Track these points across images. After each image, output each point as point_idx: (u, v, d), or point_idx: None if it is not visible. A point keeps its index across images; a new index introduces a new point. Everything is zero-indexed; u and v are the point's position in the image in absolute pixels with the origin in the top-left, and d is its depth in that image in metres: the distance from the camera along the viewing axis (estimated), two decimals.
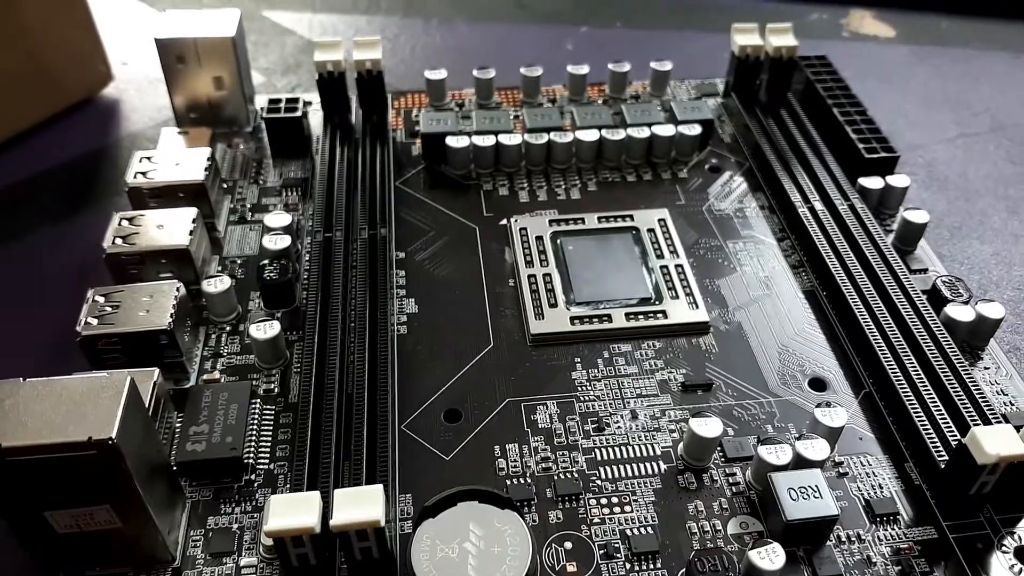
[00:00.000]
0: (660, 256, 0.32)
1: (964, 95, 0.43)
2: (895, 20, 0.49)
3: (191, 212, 0.30)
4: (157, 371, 0.25)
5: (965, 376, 0.26)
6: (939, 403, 0.26)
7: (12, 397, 0.20)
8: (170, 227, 0.29)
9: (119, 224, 0.29)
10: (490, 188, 0.35)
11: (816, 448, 0.24)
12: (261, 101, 0.37)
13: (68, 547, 0.22)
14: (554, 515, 0.24)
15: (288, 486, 0.24)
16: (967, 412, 0.25)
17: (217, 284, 0.29)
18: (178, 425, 0.26)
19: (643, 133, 0.35)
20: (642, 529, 0.24)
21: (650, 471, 0.25)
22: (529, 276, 0.31)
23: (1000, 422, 0.25)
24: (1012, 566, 0.23)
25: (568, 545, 0.24)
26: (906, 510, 0.24)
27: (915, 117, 0.41)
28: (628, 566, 0.23)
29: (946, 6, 0.50)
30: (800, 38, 0.37)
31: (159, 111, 0.40)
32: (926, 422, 0.25)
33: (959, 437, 0.25)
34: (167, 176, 0.31)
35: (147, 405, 0.24)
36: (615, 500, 0.25)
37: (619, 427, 0.26)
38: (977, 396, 0.26)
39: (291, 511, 0.21)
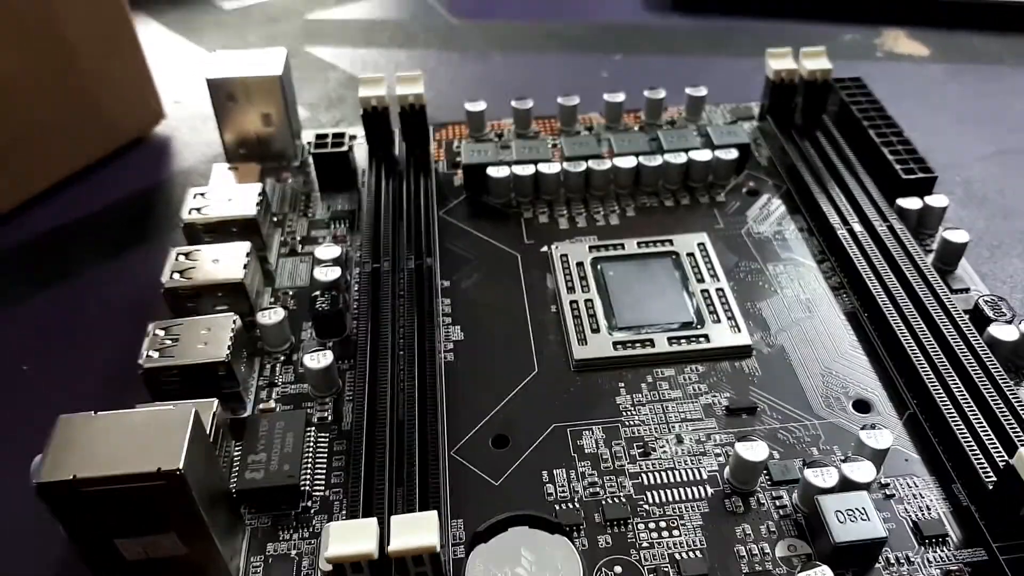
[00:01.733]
0: (700, 280, 0.32)
1: (999, 112, 0.43)
2: (929, 39, 0.49)
3: (245, 246, 0.31)
4: (216, 402, 0.26)
5: (1010, 395, 0.26)
6: (985, 423, 0.26)
7: (85, 430, 0.21)
8: (225, 261, 0.30)
9: (176, 259, 0.30)
10: (530, 216, 0.36)
11: (862, 470, 0.25)
12: (308, 136, 0.38)
13: (136, 574, 0.23)
14: (603, 539, 0.25)
15: (344, 512, 0.25)
16: (1014, 432, 0.25)
17: (271, 316, 0.30)
18: (236, 454, 0.27)
19: (680, 159, 0.36)
20: (691, 552, 0.24)
21: (697, 495, 0.26)
22: (571, 302, 0.31)
23: None
24: None
25: (618, 569, 0.24)
26: (955, 532, 0.24)
27: (951, 135, 0.41)
28: None
29: (978, 23, 0.50)
30: (834, 59, 0.37)
31: (209, 147, 0.41)
32: (972, 443, 0.26)
33: (1007, 458, 0.25)
34: (220, 212, 0.32)
35: (208, 435, 0.25)
36: (663, 524, 0.25)
37: (665, 451, 0.27)
38: (1023, 415, 0.26)
39: (349, 537, 0.22)
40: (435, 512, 0.22)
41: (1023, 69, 0.46)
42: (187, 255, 0.31)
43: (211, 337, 0.28)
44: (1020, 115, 0.43)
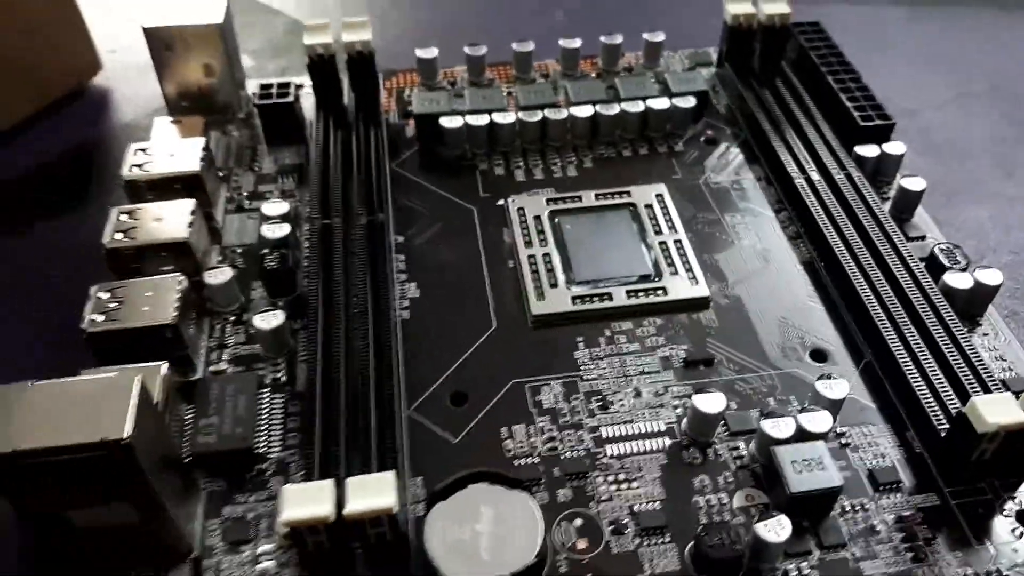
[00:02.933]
0: (659, 232, 0.32)
1: (959, 55, 0.43)
2: None
3: (189, 204, 0.30)
4: (165, 365, 0.25)
5: (964, 343, 0.27)
6: (938, 371, 0.26)
7: (21, 401, 0.21)
8: (169, 220, 0.29)
9: (117, 218, 0.29)
10: (486, 168, 0.35)
11: (818, 420, 0.25)
12: (252, 86, 0.37)
13: (88, 545, 0.22)
14: (562, 494, 0.25)
15: (300, 474, 0.25)
16: (966, 380, 0.26)
17: (218, 275, 0.29)
18: (188, 418, 0.26)
19: (638, 107, 0.35)
20: (649, 504, 0.24)
21: (655, 447, 0.26)
22: (528, 256, 0.31)
23: (999, 388, 0.25)
24: (1013, 529, 0.24)
25: (578, 522, 0.24)
26: (908, 478, 0.25)
27: (911, 80, 0.41)
28: (637, 541, 0.24)
29: None
30: (794, 1, 0.37)
31: (151, 99, 0.39)
32: (926, 390, 0.26)
33: (959, 405, 0.25)
34: (163, 168, 0.31)
35: (157, 400, 0.24)
36: (622, 477, 0.25)
37: (623, 405, 0.27)
38: (976, 363, 0.26)
39: (305, 500, 0.21)
40: (392, 472, 0.22)
41: (983, 11, 0.46)
42: (129, 214, 0.29)
43: (156, 299, 0.27)
44: (980, 59, 0.43)
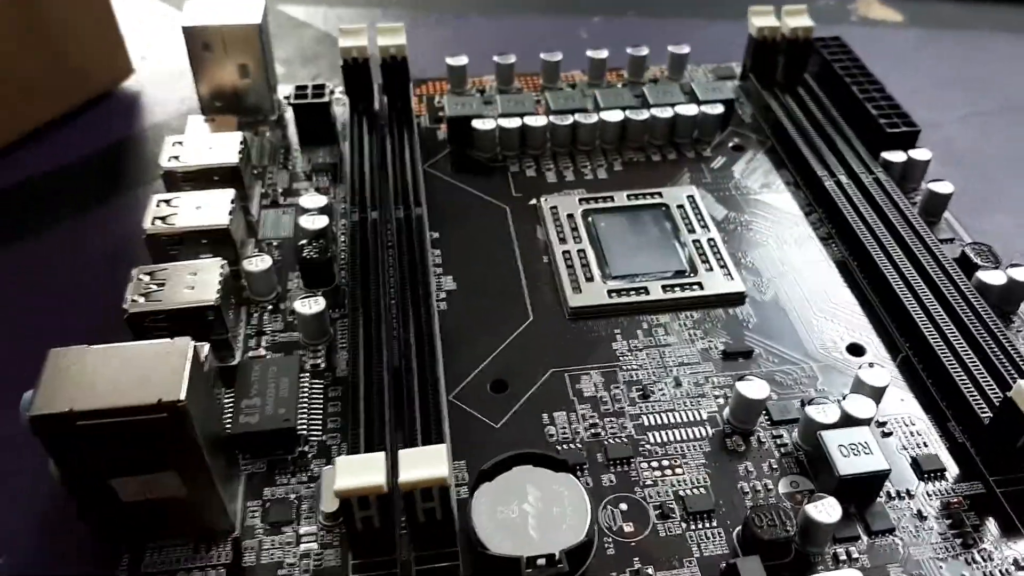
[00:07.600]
0: (692, 231, 0.32)
1: (973, 76, 0.44)
2: (902, 6, 0.50)
3: (229, 193, 0.30)
4: (207, 345, 0.25)
5: (1001, 336, 0.27)
6: (979, 363, 0.26)
7: (78, 363, 0.20)
8: (209, 208, 0.29)
9: (157, 206, 0.29)
10: (517, 170, 0.35)
11: (862, 406, 0.25)
12: (285, 90, 0.37)
13: (132, 517, 0.22)
14: (607, 478, 0.24)
15: (343, 454, 0.24)
16: (1006, 370, 0.26)
17: (258, 263, 0.29)
18: (227, 401, 0.26)
19: (666, 113, 0.36)
20: (695, 489, 0.24)
21: (698, 435, 0.26)
22: (563, 252, 0.31)
23: None
24: None
25: (623, 506, 0.24)
26: (952, 467, 0.25)
27: (927, 97, 0.42)
28: (684, 525, 0.23)
29: None
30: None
31: (182, 103, 0.40)
32: (967, 381, 0.26)
33: (1001, 393, 0.25)
34: (201, 160, 0.31)
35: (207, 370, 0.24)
36: (666, 463, 0.25)
37: (664, 394, 0.27)
38: (1015, 355, 0.26)
39: (357, 471, 0.21)
40: (443, 445, 0.22)
41: (994, 35, 0.47)
42: (168, 202, 0.29)
43: (198, 281, 0.27)
44: (993, 79, 0.44)
